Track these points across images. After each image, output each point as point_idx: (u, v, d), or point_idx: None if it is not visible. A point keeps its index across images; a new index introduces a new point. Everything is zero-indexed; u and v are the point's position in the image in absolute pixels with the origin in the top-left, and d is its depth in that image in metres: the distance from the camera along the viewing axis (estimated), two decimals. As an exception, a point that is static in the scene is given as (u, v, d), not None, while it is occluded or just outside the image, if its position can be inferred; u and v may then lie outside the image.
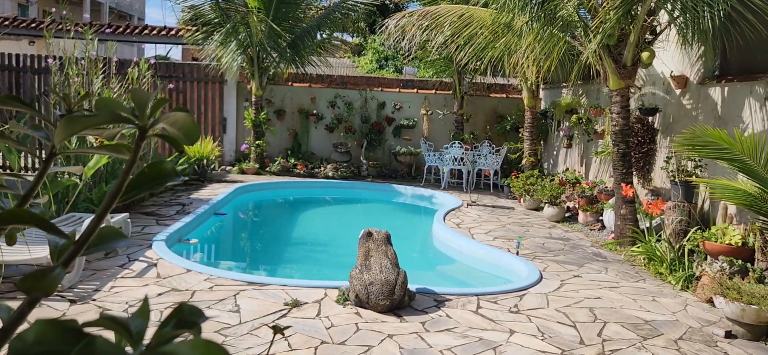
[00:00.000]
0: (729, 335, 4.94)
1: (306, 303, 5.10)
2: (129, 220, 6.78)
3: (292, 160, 13.84)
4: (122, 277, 5.60)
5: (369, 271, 5.13)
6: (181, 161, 11.48)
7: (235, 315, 4.74)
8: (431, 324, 4.83)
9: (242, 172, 13.39)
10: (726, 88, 7.67)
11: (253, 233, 10.40)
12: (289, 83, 14.67)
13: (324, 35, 14.62)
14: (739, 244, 6.19)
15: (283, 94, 14.63)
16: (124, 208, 8.27)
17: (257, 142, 13.64)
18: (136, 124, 0.53)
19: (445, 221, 9.38)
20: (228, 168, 13.71)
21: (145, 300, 0.53)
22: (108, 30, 14.43)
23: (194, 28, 13.33)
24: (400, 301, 5.09)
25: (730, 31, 7.15)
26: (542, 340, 4.63)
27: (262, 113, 13.62)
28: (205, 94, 14.17)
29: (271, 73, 13.66)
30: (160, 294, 5.16)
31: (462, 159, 12.74)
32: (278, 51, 13.30)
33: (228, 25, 12.62)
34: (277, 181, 12.76)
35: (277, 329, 1.11)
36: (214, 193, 10.64)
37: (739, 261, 5.96)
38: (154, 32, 15.65)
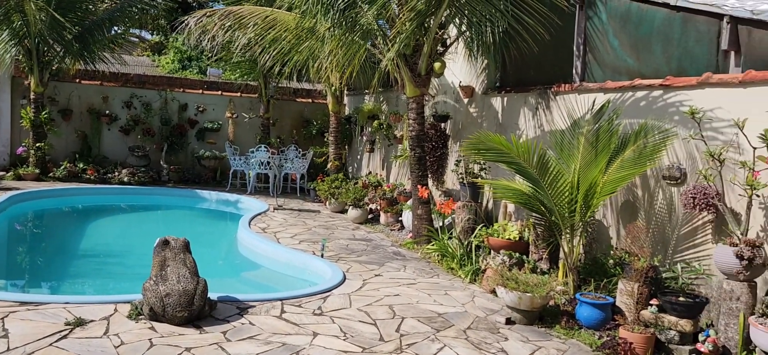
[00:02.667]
0: (509, 321, 5.48)
1: (92, 321, 4.65)
2: None
3: (81, 165, 12.62)
4: None
5: (165, 282, 4.83)
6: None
7: (1, 342, 4.17)
8: (233, 333, 4.69)
9: (19, 178, 11.90)
10: (505, 99, 8.53)
11: (32, 246, 9.26)
12: (77, 80, 13.37)
13: (119, 30, 13.56)
14: (517, 238, 6.91)
15: (70, 92, 13.29)
16: None
17: (38, 144, 12.22)
18: None
19: (251, 226, 9.21)
20: (0, 174, 12.07)
21: None
22: None
23: (-45, 13, 11.54)
24: (199, 311, 4.87)
25: (509, 47, 7.96)
26: (344, 340, 4.73)
27: (44, 113, 12.23)
28: (-29, 89, 12.36)
29: (54, 68, 12.33)
30: None
31: (268, 163, 12.61)
32: (63, 44, 12.04)
33: (-1, 11, 11.14)
34: (62, 187, 11.54)
35: None
36: (-19, 202, 9.30)
37: (517, 254, 6.65)
38: None
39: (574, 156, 6.13)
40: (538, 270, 6.51)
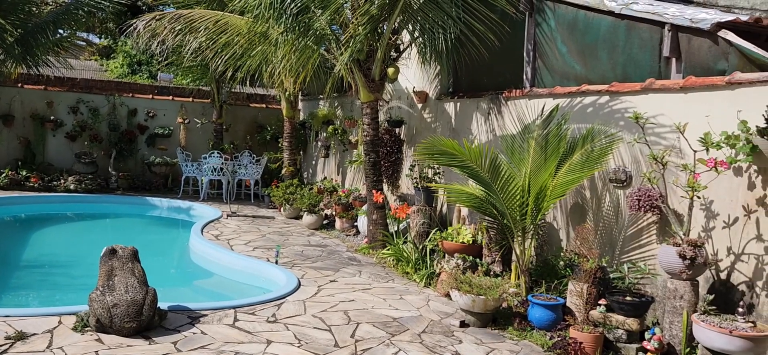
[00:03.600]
0: (463, 324, 5.54)
1: (34, 334, 4.49)
2: None
3: (24, 173, 12.17)
4: None
5: (113, 292, 4.71)
6: None
7: (-62, 358, 3.99)
8: (184, 343, 4.59)
9: (-43, 187, 11.40)
10: (458, 104, 8.63)
11: (-29, 258, 8.87)
12: (19, 85, 12.89)
13: (64, 33, 13.12)
14: (470, 242, 6.99)
15: (12, 97, 12.81)
16: None
17: (-23, 152, 11.73)
18: None
19: (204, 234, 9.06)
20: (-63, 183, 11.55)
21: None
22: None
23: None
24: (149, 322, 4.76)
25: (461, 53, 8.05)
26: (299, 347, 4.70)
27: (-16, 118, 11.75)
28: None
29: (-6, 72, 11.86)
30: None
31: (222, 169, 12.43)
32: (3, 47, 11.58)
33: (-66, 13, 10.66)
34: (3, 196, 11.10)
35: None
36: None
37: (471, 257, 6.73)
38: None
39: (525, 160, 6.25)
40: (492, 273, 6.61)
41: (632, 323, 5.00)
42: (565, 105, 6.64)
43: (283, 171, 12.66)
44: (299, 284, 6.46)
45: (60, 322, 4.78)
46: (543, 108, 6.72)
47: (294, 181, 11.93)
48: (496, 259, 6.73)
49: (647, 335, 4.87)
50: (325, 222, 10.45)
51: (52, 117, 13.04)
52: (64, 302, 5.82)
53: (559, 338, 5.06)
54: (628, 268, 5.48)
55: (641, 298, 5.14)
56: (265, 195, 12.36)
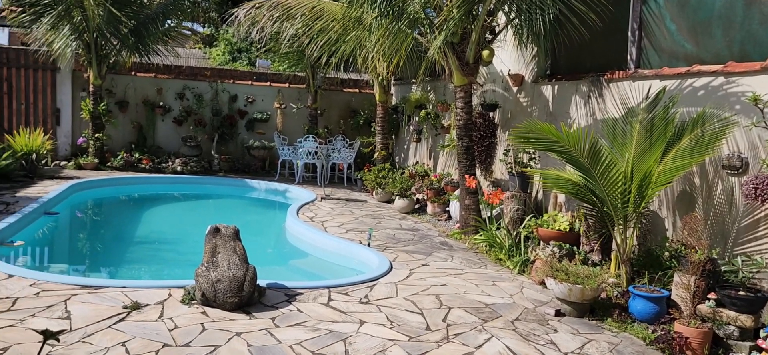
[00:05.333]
0: (558, 313, 5.38)
1: (147, 305, 4.80)
2: (-64, 222, 5.97)
3: (137, 155, 13.00)
4: (-74, 287, 4.91)
5: (216, 268, 4.94)
6: (5, 156, 10.32)
7: (64, 322, 4.34)
8: (281, 319, 4.75)
9: (79, 167, 12.35)
10: (556, 86, 8.35)
11: (92, 233, 9.62)
12: (133, 73, 13.76)
13: (172, 23, 13.88)
14: (567, 229, 6.76)
15: (126, 85, 13.70)
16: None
17: (96, 135, 12.65)
18: None
19: (299, 215, 9.32)
20: (62, 163, 12.56)
21: None
22: None
23: (20, 9, 12.01)
24: (249, 298, 4.96)
25: (559, 34, 7.78)
26: (391, 328, 4.74)
27: (102, 104, 12.65)
28: (35, 82, 12.87)
29: (111, 61, 12.73)
30: (-27, 304, 4.59)
31: (316, 153, 12.73)
32: (119, 38, 12.41)
33: (59, 7, 11.53)
34: (119, 177, 11.93)
35: (48, 335, 1.00)
36: (44, 190, 9.69)
37: (567, 245, 6.52)
38: (-29, 12, 13.93)
39: (628, 145, 5.96)
40: (589, 262, 6.37)
41: (746, 320, 4.66)
42: (673, 87, 6.26)
43: (375, 155, 12.78)
44: (391, 267, 6.51)
45: (170, 294, 5.08)
46: (648, 90, 6.36)
47: (386, 165, 12.03)
48: (595, 248, 6.48)
49: (762, 334, 4.53)
50: (416, 206, 10.47)
51: (161, 103, 13.83)
52: (172, 276, 6.17)
53: (663, 332, 4.80)
54: (743, 261, 5.11)
55: (757, 293, 4.78)
56: (358, 179, 12.54)
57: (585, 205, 6.40)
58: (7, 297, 4.79)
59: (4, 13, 13.34)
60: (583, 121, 7.69)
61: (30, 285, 5.09)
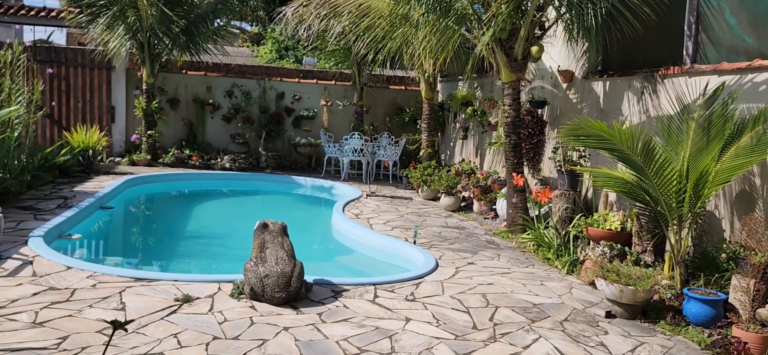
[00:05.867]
0: (609, 315, 5.25)
1: (198, 298, 4.90)
2: (1, 215, 6.22)
3: (187, 151, 13.31)
4: (-9, 277, 5.13)
5: (264, 263, 5.01)
6: (64, 152, 10.72)
7: (119, 313, 4.47)
8: (328, 315, 4.78)
9: (133, 163, 12.72)
10: (607, 83, 8.15)
11: (144, 227, 9.90)
12: (184, 71, 14.08)
13: (221, 22, 14.14)
14: (618, 229, 6.60)
15: (177, 83, 14.03)
16: (-4, 202, 7.61)
17: (149, 132, 13.00)
18: None
19: (345, 212, 9.37)
20: (117, 159, 12.97)
21: None
22: (-23, 9, 13.20)
23: (77, 10, 12.45)
24: (296, 293, 5.01)
25: (611, 29, 7.59)
26: (437, 326, 4.71)
27: (154, 102, 12.99)
28: (92, 81, 13.31)
29: (163, 60, 13.06)
30: (35, 294, 4.78)
31: (362, 150, 12.77)
32: (171, 37, 12.72)
33: (115, 8, 11.89)
34: (170, 173, 12.23)
35: (117, 325, 1.02)
36: (100, 185, 10.02)
37: (619, 245, 6.36)
38: (33, 13, 14.50)
39: (683, 143, 5.76)
40: (642, 263, 6.20)
41: (810, 326, 4.46)
42: (733, 83, 6.02)
43: (421, 153, 12.75)
44: (437, 265, 6.48)
45: (219, 288, 5.17)
46: (706, 86, 6.14)
47: (432, 162, 11.98)
48: (648, 248, 6.30)
49: (829, 341, 4.32)
50: (462, 204, 10.40)
51: (210, 100, 14.12)
52: (221, 270, 6.31)
53: (719, 337, 4.63)
54: (806, 264, 4.89)
55: (822, 299, 4.57)
56: (403, 176, 12.53)
57: (637, 204, 6.23)
58: (66, 288, 4.96)
59: (62, 14, 13.84)
60: (635, 118, 7.48)
61: (87, 277, 5.27)
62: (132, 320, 1.29)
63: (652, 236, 6.26)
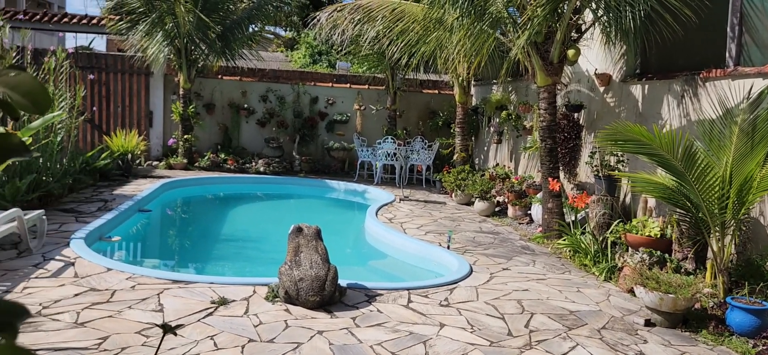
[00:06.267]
0: (648, 323, 5.13)
1: (234, 301, 4.95)
2: (44, 217, 6.40)
3: (223, 155, 13.49)
4: (36, 277, 5.27)
5: (299, 267, 5.03)
6: (104, 156, 10.98)
7: (157, 315, 4.55)
8: (362, 319, 4.78)
9: (170, 167, 12.95)
10: (646, 86, 7.99)
11: (181, 229, 10.06)
12: (220, 76, 14.30)
13: (255, 28, 14.32)
14: (658, 235, 6.45)
15: (213, 88, 14.25)
16: (40, 205, 7.82)
17: (185, 136, 13.22)
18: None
19: (378, 216, 9.37)
20: (155, 163, 13.22)
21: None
22: (22, 17, 13.61)
23: (118, 18, 12.76)
24: (330, 297, 5.02)
25: (650, 31, 7.43)
26: (471, 332, 4.67)
27: (191, 107, 13.21)
28: (130, 86, 13.62)
29: (199, 65, 13.28)
30: (77, 294, 4.89)
31: (395, 154, 12.77)
32: (207, 43, 12.92)
33: (154, 15, 12.16)
34: (206, 176, 12.42)
35: (167, 329, 1.03)
36: (139, 188, 10.22)
37: (658, 252, 6.21)
38: (75, 21, 14.91)
39: (726, 148, 5.61)
40: (682, 270, 6.05)
41: None
42: (778, 85, 5.83)
43: (454, 157, 12.68)
44: (471, 270, 6.43)
45: (254, 291, 5.22)
46: (750, 89, 5.96)
47: (465, 167, 11.90)
48: (689, 255, 6.14)
49: None
50: (496, 209, 10.30)
51: (245, 105, 14.30)
52: (255, 273, 6.36)
53: (765, 348, 4.49)
54: None
55: None
56: (437, 180, 12.48)
57: (678, 210, 6.08)
58: (106, 289, 5.07)
59: (103, 22, 14.19)
60: (675, 122, 7.31)
61: (126, 278, 5.37)
62: (181, 325, 1.30)
63: (693, 243, 6.11)
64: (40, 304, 4.62)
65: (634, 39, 7.73)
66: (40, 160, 8.31)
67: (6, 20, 8.48)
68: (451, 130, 13.41)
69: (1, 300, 0.43)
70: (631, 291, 5.77)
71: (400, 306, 5.16)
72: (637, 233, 6.58)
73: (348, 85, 15.03)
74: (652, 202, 7.29)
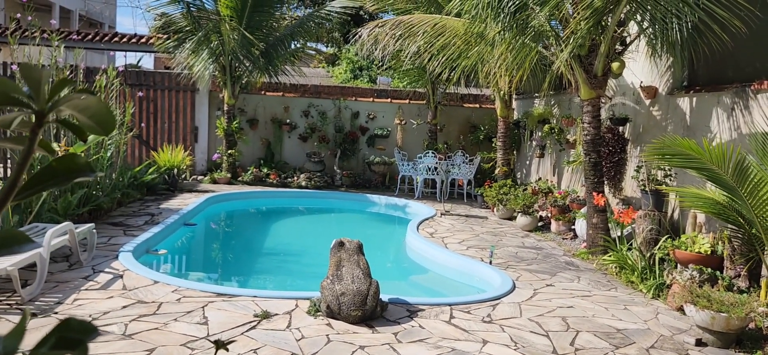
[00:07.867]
0: (699, 343, 4.96)
1: (276, 314, 4.99)
2: (94, 230, 6.59)
3: (265, 170, 13.69)
4: (86, 289, 5.43)
5: (341, 281, 5.05)
6: (151, 171, 11.27)
7: (202, 327, 4.62)
8: (404, 335, 4.76)
9: (214, 181, 13.20)
10: (694, 99, 7.78)
11: (224, 243, 10.23)
12: (262, 92, 14.54)
13: (298, 44, 14.53)
14: (709, 252, 6.25)
15: (256, 103, 14.50)
16: (90, 218, 8.07)
17: (229, 151, 13.47)
18: (32, 107, 0.46)
19: (419, 231, 9.34)
20: (200, 178, 13.50)
21: (23, 316, 0.46)
22: (76, 37, 14.14)
23: (165, 36, 13.14)
24: (372, 312, 5.01)
25: (698, 43, 7.25)
26: (515, 350, 4.60)
27: (235, 122, 13.46)
28: (177, 102, 13.97)
29: (243, 81, 13.53)
30: (124, 307, 5.01)
31: (436, 169, 12.73)
32: (251, 60, 13.18)
33: (200, 34, 12.47)
34: (249, 190, 12.60)
35: (219, 345, 1.04)
36: (184, 203, 10.45)
37: (709, 269, 6.01)
38: (125, 40, 15.40)
39: (781, 161, 5.41)
40: (735, 288, 5.83)
41: None
42: (836, 97, 5.61)
43: (496, 171, 12.57)
44: (514, 286, 6.34)
45: (296, 305, 5.26)
46: (805, 101, 5.76)
47: (507, 181, 11.78)
48: (742, 273, 5.93)
49: None
50: (539, 224, 10.15)
51: (287, 120, 14.50)
52: (298, 287, 6.41)
53: (827, 372, 4.28)
54: None
55: None
56: (478, 195, 12.38)
57: (729, 226, 5.88)
58: (153, 302, 5.18)
59: (151, 41, 14.63)
60: (725, 135, 7.10)
61: (172, 291, 5.48)
62: (232, 341, 1.31)
63: (746, 260, 5.89)
64: (90, 316, 4.75)
65: (681, 51, 7.55)
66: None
67: (61, 40, 8.81)
68: (492, 145, 13.31)
69: (74, 319, 0.44)
70: (681, 309, 5.60)
71: (442, 322, 5.12)
72: (686, 250, 6.38)
73: (389, 99, 15.09)
74: (701, 217, 7.07)
